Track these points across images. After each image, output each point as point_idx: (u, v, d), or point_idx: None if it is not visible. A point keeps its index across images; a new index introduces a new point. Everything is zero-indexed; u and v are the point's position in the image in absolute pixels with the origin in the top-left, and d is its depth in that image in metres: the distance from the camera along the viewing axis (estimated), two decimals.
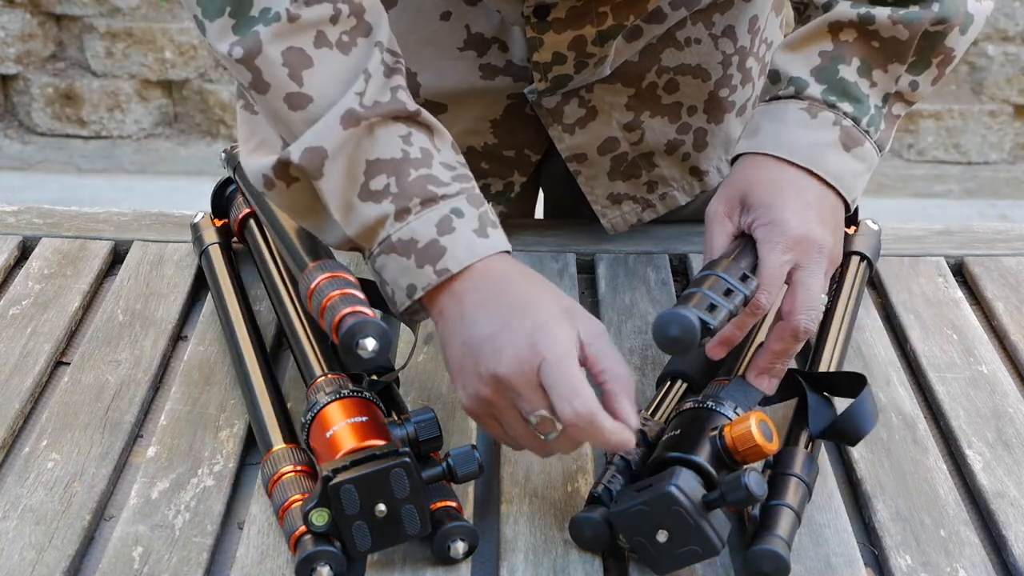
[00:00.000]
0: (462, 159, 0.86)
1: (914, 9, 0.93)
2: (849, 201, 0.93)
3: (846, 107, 0.93)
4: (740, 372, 0.89)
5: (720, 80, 1.11)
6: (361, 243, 0.83)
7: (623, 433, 0.76)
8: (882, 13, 0.93)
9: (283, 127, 0.82)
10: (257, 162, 0.84)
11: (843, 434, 0.85)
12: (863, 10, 0.93)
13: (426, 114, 0.84)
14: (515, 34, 1.04)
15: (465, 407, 0.81)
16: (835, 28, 0.94)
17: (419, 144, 0.82)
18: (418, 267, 0.80)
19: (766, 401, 0.88)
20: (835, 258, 0.90)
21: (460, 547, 0.77)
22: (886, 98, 0.95)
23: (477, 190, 0.84)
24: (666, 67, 1.08)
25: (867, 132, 0.93)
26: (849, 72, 0.93)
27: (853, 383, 0.87)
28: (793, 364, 0.91)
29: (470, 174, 0.85)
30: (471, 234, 0.81)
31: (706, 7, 1.06)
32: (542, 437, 0.78)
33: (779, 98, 0.95)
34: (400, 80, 0.84)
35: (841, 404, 0.89)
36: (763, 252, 0.87)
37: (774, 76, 0.96)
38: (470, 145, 1.12)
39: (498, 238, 0.82)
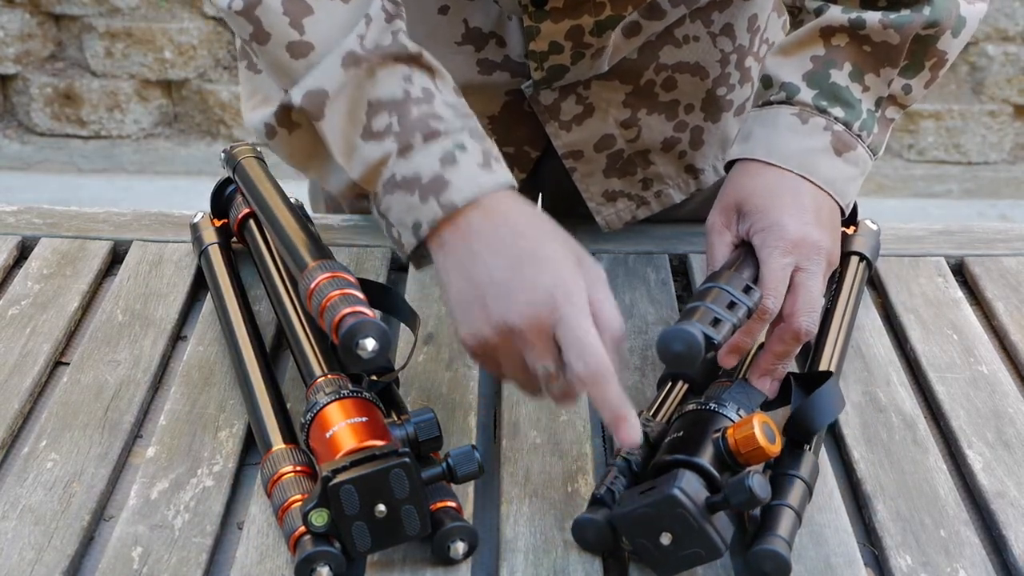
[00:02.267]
0: (464, 101, 0.85)
1: (905, 13, 0.93)
2: (843, 205, 0.93)
3: (837, 112, 0.93)
4: (741, 374, 0.89)
5: (718, 79, 1.11)
6: (365, 186, 0.82)
7: (624, 408, 0.75)
8: (872, 17, 0.93)
9: (285, 77, 0.82)
10: (259, 114, 0.85)
11: (798, 428, 0.84)
12: (854, 15, 0.93)
13: (428, 56, 0.84)
14: (513, 29, 1.04)
15: (464, 343, 0.80)
16: (827, 33, 0.95)
17: (420, 84, 0.83)
18: (422, 202, 0.79)
19: (767, 405, 0.88)
20: (833, 260, 0.90)
21: (460, 547, 0.77)
22: (879, 102, 0.96)
23: (480, 127, 0.84)
24: (664, 64, 1.08)
25: (859, 136, 0.94)
26: (841, 77, 0.94)
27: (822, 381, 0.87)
28: (793, 366, 0.91)
29: (472, 113, 0.85)
30: (475, 168, 0.80)
31: (705, 5, 1.06)
32: (542, 387, 0.78)
33: (771, 103, 0.95)
34: (401, 25, 0.84)
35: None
36: (763, 257, 0.87)
37: (766, 81, 0.96)
38: None
39: (503, 173, 0.82)
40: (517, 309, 0.76)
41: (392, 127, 0.81)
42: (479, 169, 0.80)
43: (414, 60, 0.83)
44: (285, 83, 0.83)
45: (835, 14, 0.94)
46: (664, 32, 1.07)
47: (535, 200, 1.30)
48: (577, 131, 1.10)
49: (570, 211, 1.23)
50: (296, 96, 0.81)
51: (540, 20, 0.99)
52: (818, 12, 0.96)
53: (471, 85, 1.08)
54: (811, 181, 0.91)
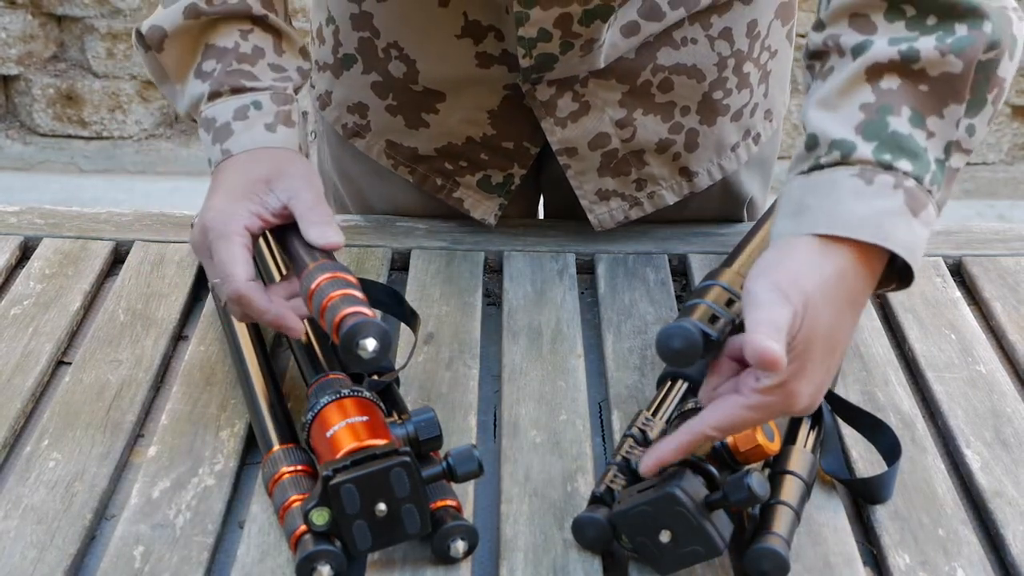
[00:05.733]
0: (306, 65, 1.01)
1: (963, 33, 0.80)
2: (914, 275, 0.80)
3: (904, 165, 0.78)
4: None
5: (715, 82, 1.11)
6: (192, 113, 0.99)
7: (271, 311, 0.87)
8: (927, 45, 0.80)
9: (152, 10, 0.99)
10: (140, 25, 1.01)
11: (863, 494, 0.86)
12: (904, 46, 0.80)
13: (275, 19, 1.00)
14: (510, 22, 1.05)
15: None
16: (874, 74, 0.81)
17: (255, 42, 0.98)
18: (212, 144, 0.95)
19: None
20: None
21: (460, 546, 0.78)
22: (947, 148, 0.81)
23: (292, 91, 0.98)
24: (661, 65, 1.09)
25: (930, 192, 0.79)
26: (901, 124, 0.80)
27: (877, 431, 0.88)
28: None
29: (300, 79, 1.00)
30: (261, 127, 0.94)
31: (704, 9, 1.06)
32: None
33: (821, 167, 0.80)
34: None
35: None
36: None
37: (811, 140, 0.81)
38: (469, 135, 1.13)
39: (287, 136, 0.95)
40: (192, 235, 0.92)
41: (215, 72, 0.97)
42: (264, 129, 0.94)
43: (258, 20, 0.99)
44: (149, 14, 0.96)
45: (881, 48, 0.81)
46: (662, 34, 1.07)
47: (537, 200, 1.30)
48: (572, 128, 1.10)
49: (569, 208, 1.23)
50: (144, 26, 0.99)
51: (529, 6, 0.99)
52: (857, 51, 0.82)
53: (470, 78, 1.09)
54: (885, 249, 0.77)
